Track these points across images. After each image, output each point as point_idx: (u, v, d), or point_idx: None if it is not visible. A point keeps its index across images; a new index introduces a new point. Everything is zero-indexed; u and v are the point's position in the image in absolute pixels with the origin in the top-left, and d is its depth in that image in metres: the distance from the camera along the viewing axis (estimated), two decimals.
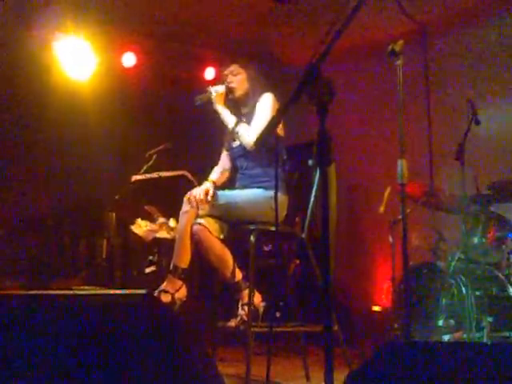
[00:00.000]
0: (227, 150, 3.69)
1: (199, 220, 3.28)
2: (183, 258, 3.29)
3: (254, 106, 3.47)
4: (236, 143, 3.57)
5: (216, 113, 3.52)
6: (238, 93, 3.54)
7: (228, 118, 3.49)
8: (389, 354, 1.72)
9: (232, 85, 3.52)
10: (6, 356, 1.54)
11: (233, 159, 3.65)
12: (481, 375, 1.56)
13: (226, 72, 3.57)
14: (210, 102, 3.51)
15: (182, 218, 3.33)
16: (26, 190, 5.56)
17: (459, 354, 1.64)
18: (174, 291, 3.26)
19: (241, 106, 3.58)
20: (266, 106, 3.42)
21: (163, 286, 3.29)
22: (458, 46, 5.56)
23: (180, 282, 3.28)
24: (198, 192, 3.33)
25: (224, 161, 3.71)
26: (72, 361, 1.60)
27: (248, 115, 3.50)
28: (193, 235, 3.26)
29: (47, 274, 5.00)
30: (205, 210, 3.31)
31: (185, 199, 3.35)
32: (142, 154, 4.81)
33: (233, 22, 5.72)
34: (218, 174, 3.66)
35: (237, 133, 3.44)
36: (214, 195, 3.35)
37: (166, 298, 3.24)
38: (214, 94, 3.49)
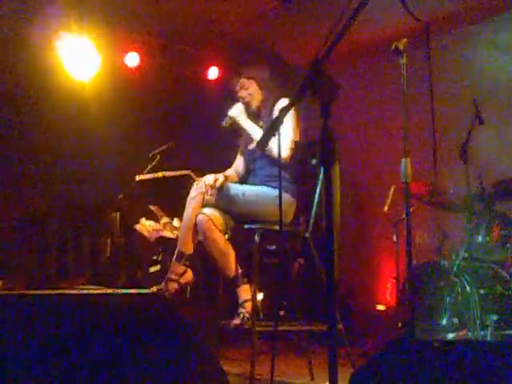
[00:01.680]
0: (242, 154, 3.71)
1: (205, 210, 3.30)
2: (188, 244, 3.34)
3: (272, 109, 3.51)
4: (252, 146, 3.59)
5: (243, 130, 3.59)
6: (255, 104, 3.63)
7: (256, 132, 3.50)
8: (393, 353, 1.72)
9: (246, 99, 3.62)
10: (12, 355, 1.55)
11: (248, 161, 3.66)
12: (485, 374, 1.56)
13: (237, 88, 3.65)
14: (234, 123, 3.59)
15: (189, 204, 3.38)
16: (30, 190, 5.56)
17: (463, 352, 1.64)
18: (178, 277, 3.32)
19: (260, 112, 3.64)
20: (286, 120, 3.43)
21: (168, 274, 3.34)
22: (461, 45, 5.55)
23: (184, 267, 3.32)
24: (208, 178, 3.39)
25: (238, 163, 3.75)
26: (77, 360, 1.60)
27: (268, 117, 3.55)
28: (196, 225, 3.29)
29: (51, 273, 5.01)
30: (212, 197, 3.34)
31: (194, 185, 3.40)
32: (145, 154, 4.82)
33: (236, 22, 5.71)
34: (230, 171, 3.72)
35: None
36: (223, 185, 3.38)
37: (172, 287, 3.29)
38: (236, 118, 3.56)
